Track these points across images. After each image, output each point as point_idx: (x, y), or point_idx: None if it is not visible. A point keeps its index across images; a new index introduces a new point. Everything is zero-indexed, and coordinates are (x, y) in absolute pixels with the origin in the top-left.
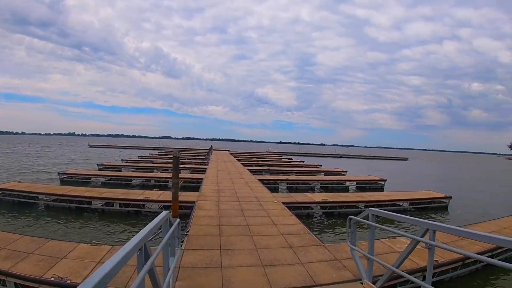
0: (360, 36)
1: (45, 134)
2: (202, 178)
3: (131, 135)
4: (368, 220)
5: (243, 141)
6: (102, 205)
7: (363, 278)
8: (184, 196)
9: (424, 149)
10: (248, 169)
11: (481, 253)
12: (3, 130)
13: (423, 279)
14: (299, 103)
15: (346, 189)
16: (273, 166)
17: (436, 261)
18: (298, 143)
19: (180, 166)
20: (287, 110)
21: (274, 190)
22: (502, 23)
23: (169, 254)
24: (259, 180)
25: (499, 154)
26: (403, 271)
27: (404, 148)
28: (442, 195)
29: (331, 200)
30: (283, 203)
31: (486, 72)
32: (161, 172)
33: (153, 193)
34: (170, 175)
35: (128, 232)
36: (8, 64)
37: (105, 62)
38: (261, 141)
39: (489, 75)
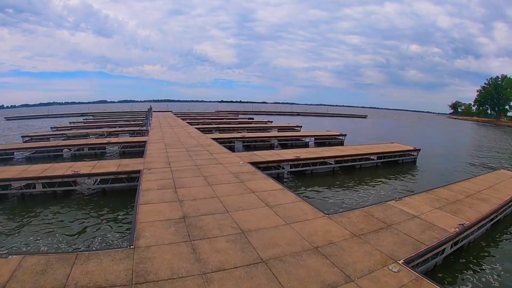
0: None
1: None
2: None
3: (64, 102)
4: None
5: (184, 101)
6: (21, 188)
7: None
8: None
9: (362, 106)
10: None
11: None
12: None
13: None
14: (240, 60)
15: (306, 146)
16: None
17: None
18: (240, 102)
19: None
20: (228, 68)
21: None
22: None
23: None
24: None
25: (438, 113)
26: None
27: (343, 105)
28: (411, 148)
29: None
30: None
31: (425, 35)
32: (96, 138)
33: (86, 165)
34: (106, 140)
35: (54, 224)
36: None
37: (30, 23)
38: (202, 101)
39: (428, 38)
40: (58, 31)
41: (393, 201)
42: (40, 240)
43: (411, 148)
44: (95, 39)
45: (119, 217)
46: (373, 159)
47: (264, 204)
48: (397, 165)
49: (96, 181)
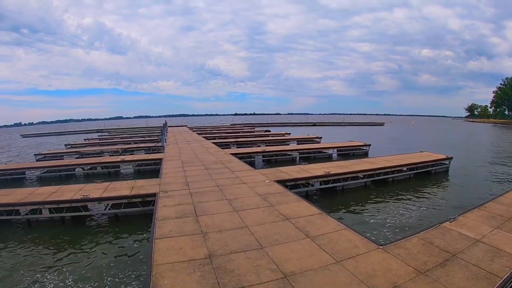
0: (310, 3)
1: None
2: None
3: (80, 118)
4: None
5: (198, 115)
6: (26, 213)
7: None
8: None
9: (376, 114)
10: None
11: None
12: None
13: None
14: (252, 73)
15: (329, 158)
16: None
17: None
18: (254, 114)
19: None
20: (240, 81)
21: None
22: None
23: None
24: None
25: (454, 117)
26: None
27: (358, 113)
28: (443, 156)
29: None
30: None
31: (436, 39)
32: (110, 156)
33: (97, 187)
34: (120, 158)
35: (58, 260)
36: None
37: (45, 43)
38: (216, 114)
39: (439, 41)
40: (73, 50)
41: (447, 222)
42: (42, 284)
43: (443, 156)
44: (109, 57)
45: (133, 250)
46: (405, 171)
47: (303, 234)
48: (429, 175)
49: (107, 205)
